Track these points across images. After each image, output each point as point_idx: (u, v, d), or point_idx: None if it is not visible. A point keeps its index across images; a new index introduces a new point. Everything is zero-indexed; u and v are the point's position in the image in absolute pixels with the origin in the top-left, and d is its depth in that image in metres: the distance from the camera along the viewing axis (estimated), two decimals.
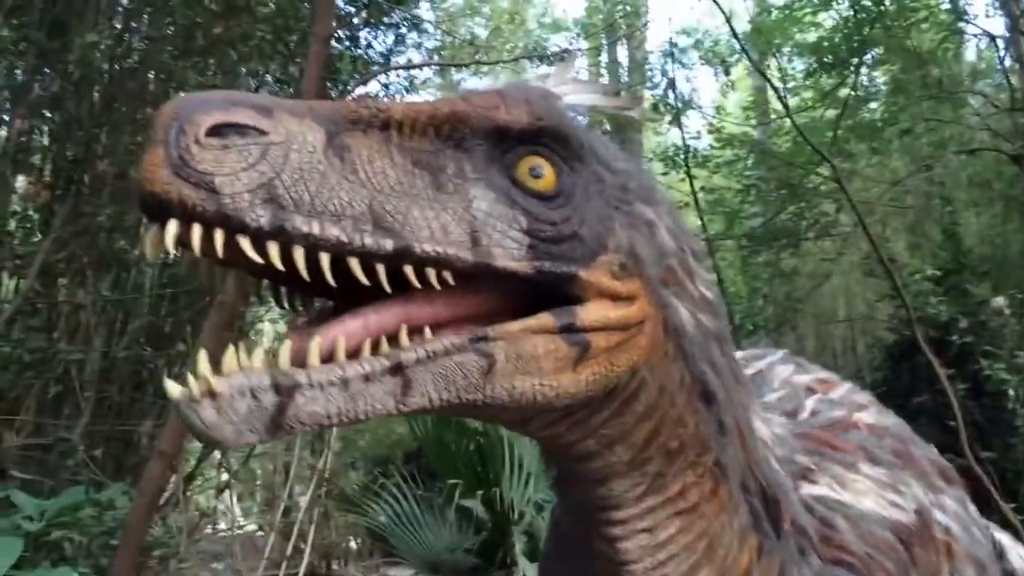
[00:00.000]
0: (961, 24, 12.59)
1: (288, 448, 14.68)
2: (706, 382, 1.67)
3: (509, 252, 1.35)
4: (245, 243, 1.15)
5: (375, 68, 10.26)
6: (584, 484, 1.63)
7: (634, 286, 1.48)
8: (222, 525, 15.37)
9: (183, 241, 1.15)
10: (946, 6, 12.72)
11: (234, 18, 7.10)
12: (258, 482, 15.69)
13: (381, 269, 1.24)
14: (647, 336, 1.50)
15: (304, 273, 1.19)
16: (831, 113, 12.82)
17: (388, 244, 1.24)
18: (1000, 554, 2.90)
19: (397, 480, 6.78)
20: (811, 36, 13.46)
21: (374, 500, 6.70)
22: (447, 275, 1.29)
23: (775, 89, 10.31)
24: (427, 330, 1.28)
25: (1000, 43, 12.06)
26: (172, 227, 1.14)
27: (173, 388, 1.16)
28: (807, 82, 13.64)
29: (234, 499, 15.89)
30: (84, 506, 4.81)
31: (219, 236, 1.14)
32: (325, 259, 1.20)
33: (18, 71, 7.11)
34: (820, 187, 11.90)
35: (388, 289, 1.25)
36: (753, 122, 14.75)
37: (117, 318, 6.52)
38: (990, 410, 11.04)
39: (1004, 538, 3.12)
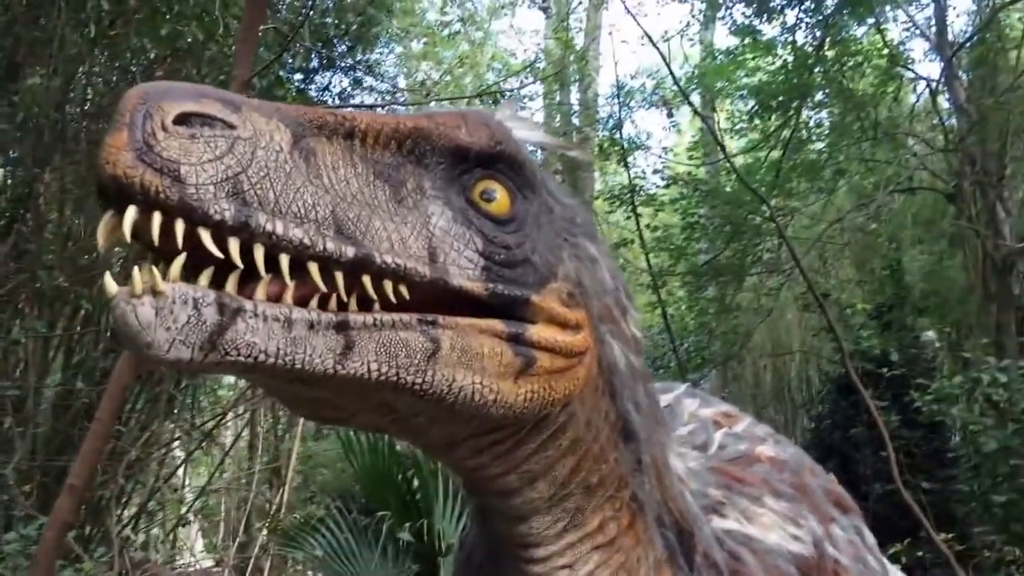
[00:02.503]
0: (898, 69, 13.01)
1: (248, 483, 14.79)
2: (629, 420, 1.70)
3: (464, 271, 1.35)
4: (206, 236, 1.12)
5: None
6: (505, 520, 1.63)
7: (580, 316, 1.49)
8: (185, 559, 15.36)
9: (136, 231, 1.12)
10: (884, 51, 13.13)
11: (178, 61, 7.30)
12: (218, 517, 15.69)
13: (339, 276, 1.23)
14: (585, 368, 1.50)
15: (261, 270, 1.17)
16: (777, 154, 13.20)
17: (349, 251, 1.23)
18: None
19: (334, 513, 6.85)
20: (755, 79, 13.84)
21: (311, 533, 6.76)
22: (403, 289, 1.28)
23: (713, 132, 10.65)
24: (376, 305, 1.26)
25: (935, 87, 12.45)
26: (131, 213, 1.10)
27: (111, 284, 1.12)
28: (752, 124, 14.01)
29: (195, 534, 15.86)
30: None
31: (180, 226, 1.12)
32: (284, 260, 1.18)
33: None
34: (763, 225, 12.20)
35: (344, 298, 1.24)
36: (698, 162, 15.10)
37: (52, 354, 6.62)
38: (929, 441, 11.29)
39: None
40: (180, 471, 12.35)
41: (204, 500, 13.74)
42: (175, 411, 10.80)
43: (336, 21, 11.21)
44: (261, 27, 6.16)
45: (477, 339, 1.34)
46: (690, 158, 15.46)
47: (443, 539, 5.97)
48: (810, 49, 12.63)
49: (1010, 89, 11.07)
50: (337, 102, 12.09)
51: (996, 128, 11.33)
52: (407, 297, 1.29)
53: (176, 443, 11.51)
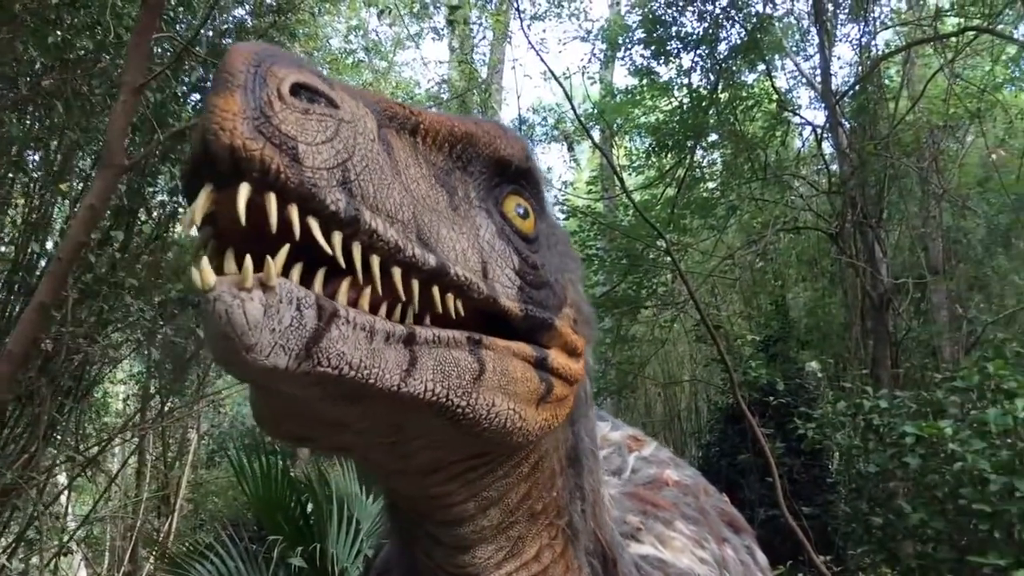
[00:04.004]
0: (786, 114, 13.62)
1: (134, 511, 14.33)
2: (578, 447, 1.69)
3: (506, 291, 1.29)
4: (315, 227, 1.03)
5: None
6: (446, 551, 1.58)
7: (582, 343, 1.45)
8: None
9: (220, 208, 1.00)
10: (773, 97, 13.75)
11: (67, 71, 7.12)
12: (103, 546, 15.13)
13: (415, 285, 1.14)
14: (574, 395, 1.47)
15: (359, 271, 1.07)
16: (672, 191, 13.64)
17: (431, 260, 1.15)
18: None
19: (224, 539, 6.72)
20: (652, 118, 14.31)
21: (199, 560, 6.61)
22: (459, 304, 1.21)
23: (612, 165, 10.94)
24: (427, 319, 1.18)
25: (820, 132, 13.07)
26: (245, 192, 0.98)
27: (210, 273, 0.99)
28: (648, 161, 14.45)
29: (78, 563, 15.24)
30: None
31: (295, 213, 1.01)
32: (376, 262, 1.09)
33: None
34: (658, 259, 12.56)
35: (417, 309, 1.16)
36: (597, 196, 15.48)
37: None
38: (810, 468, 11.76)
39: None
40: (63, 498, 11.90)
41: (88, 529, 13.25)
42: (57, 436, 10.40)
43: (236, 40, 11.12)
44: (155, 35, 6.04)
45: (512, 363, 1.28)
46: (589, 192, 15.83)
47: (336, 564, 5.93)
48: (704, 92, 13.14)
49: (888, 137, 11.70)
50: None
51: (875, 173, 11.95)
52: (463, 313, 1.21)
53: (58, 469, 11.11)
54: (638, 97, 14.30)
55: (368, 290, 1.10)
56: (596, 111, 14.79)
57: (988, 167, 13.48)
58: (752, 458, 11.40)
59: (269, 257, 1.00)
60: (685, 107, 13.20)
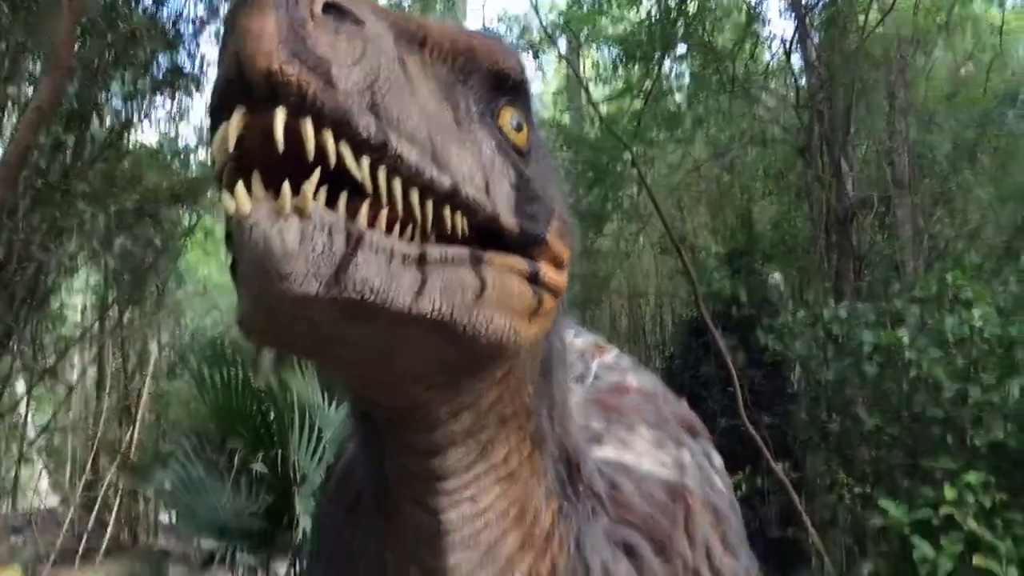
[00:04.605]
0: (756, 26, 13.43)
1: (95, 422, 14.29)
2: (551, 354, 1.70)
3: (505, 207, 1.28)
4: (347, 152, 1.02)
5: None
6: (416, 454, 1.60)
7: (567, 255, 1.46)
8: (30, 501, 14.78)
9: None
10: (744, 8, 13.53)
11: None
12: (64, 456, 15.16)
13: (429, 206, 1.13)
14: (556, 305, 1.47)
15: (383, 195, 1.06)
16: (639, 103, 13.47)
17: (446, 182, 1.14)
18: None
19: (184, 447, 6.70)
20: (620, 28, 14.05)
21: (160, 467, 6.61)
22: (464, 223, 1.20)
23: (577, 76, 10.77)
24: (432, 237, 1.17)
25: (789, 45, 12.92)
26: (281, 117, 0.97)
27: (245, 199, 0.98)
28: (615, 73, 14.24)
29: (39, 473, 15.26)
30: None
31: (330, 140, 1.00)
32: (397, 185, 1.08)
33: None
34: (624, 172, 12.48)
35: (429, 230, 1.14)
36: (563, 107, 15.28)
37: None
38: (772, 379, 11.94)
39: None
40: (21, 407, 11.81)
41: (48, 438, 13.23)
42: (13, 346, 10.26)
43: None
44: None
45: (510, 279, 1.29)
46: (555, 104, 15.60)
47: (297, 470, 5.94)
48: (672, 3, 12.88)
49: (857, 49, 11.58)
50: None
51: (843, 87, 11.86)
52: (467, 233, 1.21)
53: (15, 378, 10.98)
54: (605, 6, 13.99)
55: (385, 211, 1.08)
56: (562, 20, 14.48)
57: (956, 82, 13.43)
58: (714, 370, 11.53)
59: (306, 183, 0.98)
60: (653, 18, 12.93)
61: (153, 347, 14.22)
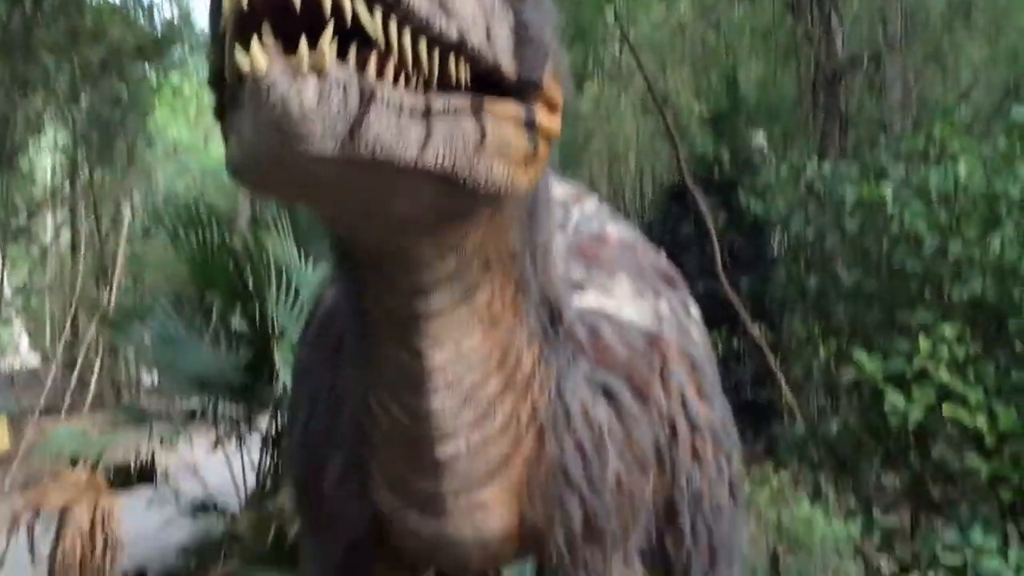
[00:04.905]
0: None
1: (72, 283, 14.24)
2: (537, 197, 1.70)
3: (505, 53, 1.25)
4: (361, 6, 1.01)
5: None
6: (402, 296, 1.61)
7: (560, 98, 1.44)
8: (10, 362, 14.89)
9: None
10: None
11: None
12: (43, 317, 15.20)
13: (435, 56, 1.11)
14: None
15: (395, 46, 1.04)
16: None
17: (453, 32, 1.12)
18: None
19: (163, 304, 6.67)
20: None
21: (139, 322, 6.59)
22: (467, 73, 1.18)
23: None
24: (434, 86, 1.14)
25: None
26: None
27: (260, 57, 0.96)
28: None
29: (19, 333, 15.33)
30: None
31: None
32: (407, 37, 1.06)
33: None
34: (606, 31, 12.13)
35: (435, 81, 1.13)
36: None
37: None
38: (752, 242, 11.98)
39: None
40: None
41: (26, 298, 13.20)
42: None
43: None
44: None
45: (507, 126, 1.28)
46: None
47: (276, 325, 5.93)
48: None
49: None
50: None
51: None
52: (469, 83, 1.19)
53: None
54: None
55: (391, 63, 1.06)
56: None
57: None
58: (694, 232, 11.53)
59: (323, 39, 0.95)
60: None
61: (126, 209, 14.04)
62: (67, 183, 12.91)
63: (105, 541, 5.16)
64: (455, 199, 1.31)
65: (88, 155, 11.77)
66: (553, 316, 2.00)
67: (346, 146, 1.03)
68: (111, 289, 12.74)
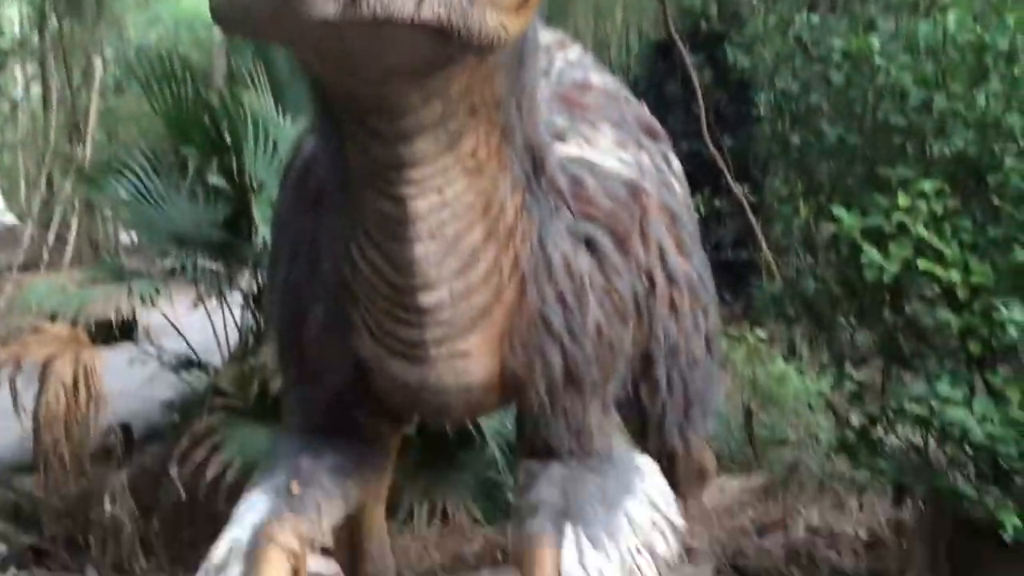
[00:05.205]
0: None
1: (45, 137, 13.95)
2: (525, 43, 1.70)
3: None
4: None
5: None
6: (386, 143, 1.63)
7: None
8: None
9: None
10: None
11: None
12: (16, 176, 14.98)
13: None
14: None
15: None
16: None
17: None
18: None
19: (139, 159, 6.54)
20: None
21: (116, 177, 6.47)
22: None
23: None
24: None
25: None
26: None
27: None
28: None
29: None
30: None
31: None
32: None
33: None
34: None
35: None
36: None
37: None
38: (737, 102, 11.81)
39: None
40: None
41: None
42: None
43: None
44: None
45: None
46: None
47: (254, 179, 5.87)
48: None
49: None
50: None
51: None
52: None
53: None
54: None
55: None
56: None
57: None
58: (679, 90, 11.35)
59: None
60: None
61: (97, 62, 13.61)
62: (35, 34, 12.47)
63: (88, 394, 5.22)
64: (447, 48, 1.33)
65: (56, 4, 11.33)
66: (536, 165, 2.01)
67: (348, 9, 1.08)
68: (85, 145, 12.49)
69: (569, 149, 2.32)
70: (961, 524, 3.81)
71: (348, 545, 2.83)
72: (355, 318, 2.14)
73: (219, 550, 2.20)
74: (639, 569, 2.22)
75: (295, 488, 2.24)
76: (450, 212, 1.78)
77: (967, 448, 3.75)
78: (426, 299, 1.93)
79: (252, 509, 2.25)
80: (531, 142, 1.94)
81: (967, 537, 3.82)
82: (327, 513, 2.28)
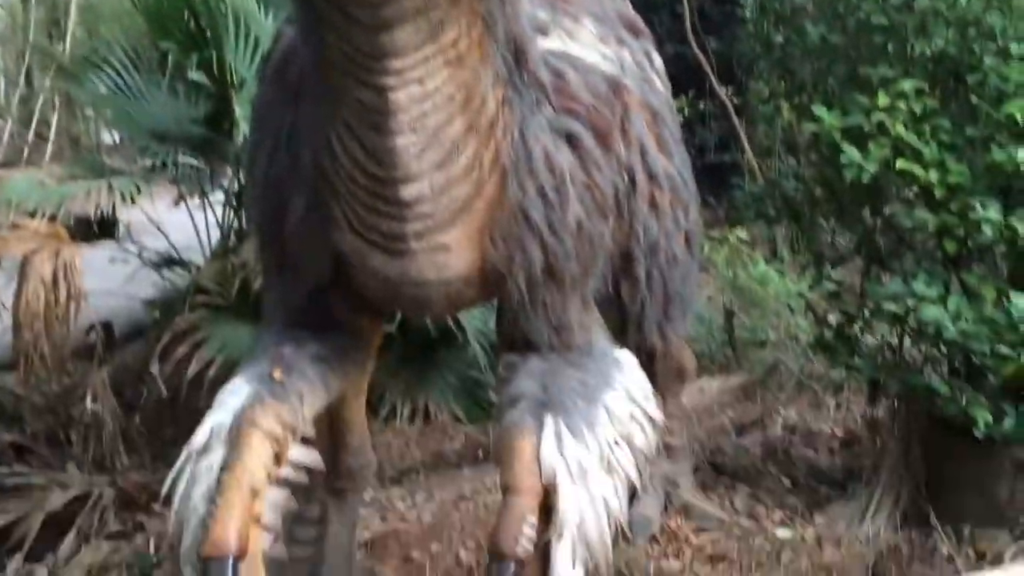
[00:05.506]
0: None
1: (25, 33, 13.62)
2: None
3: None
4: None
5: None
6: (366, 32, 1.61)
7: None
8: None
9: None
10: None
11: None
12: None
13: None
14: None
15: None
16: None
17: None
18: None
19: (119, 54, 6.42)
20: None
21: (94, 71, 6.35)
22: None
23: None
24: None
25: None
26: None
27: None
28: None
29: None
30: None
31: None
32: None
33: None
34: None
35: None
36: None
37: None
38: (721, 1, 11.59)
39: None
40: None
41: None
42: None
43: None
44: None
45: None
46: None
47: (235, 74, 5.79)
48: None
49: None
50: None
51: None
52: None
53: None
54: None
55: None
56: None
57: None
58: None
59: None
60: None
61: None
62: None
63: (68, 291, 5.18)
64: None
65: None
66: (518, 58, 1.99)
67: None
68: (65, 40, 12.20)
69: (551, 43, 2.30)
70: (935, 421, 3.89)
71: (329, 437, 2.87)
72: (335, 211, 2.14)
73: (201, 434, 2.23)
74: (617, 460, 2.25)
75: (278, 375, 2.26)
76: (431, 104, 1.78)
77: (941, 346, 3.82)
78: (406, 191, 1.94)
79: (235, 395, 2.26)
80: (513, 34, 1.93)
81: (940, 434, 3.91)
82: (308, 402, 2.29)
